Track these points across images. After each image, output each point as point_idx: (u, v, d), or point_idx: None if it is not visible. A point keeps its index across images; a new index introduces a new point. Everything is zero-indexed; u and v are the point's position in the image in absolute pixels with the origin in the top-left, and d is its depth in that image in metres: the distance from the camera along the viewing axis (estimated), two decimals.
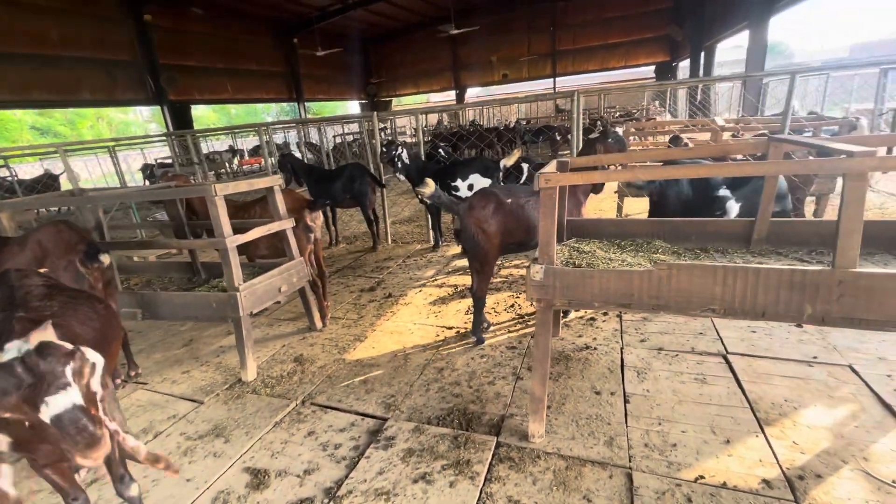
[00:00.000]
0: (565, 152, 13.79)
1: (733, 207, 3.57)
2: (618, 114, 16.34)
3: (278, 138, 19.09)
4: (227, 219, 2.95)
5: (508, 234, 3.14)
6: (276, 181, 3.39)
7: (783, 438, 2.16)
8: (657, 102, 18.60)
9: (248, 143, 20.82)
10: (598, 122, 12.58)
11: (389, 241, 6.36)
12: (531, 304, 3.86)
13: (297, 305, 4.27)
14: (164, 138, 10.04)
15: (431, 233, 5.97)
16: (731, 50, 23.34)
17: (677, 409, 2.44)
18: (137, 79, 14.68)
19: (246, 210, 3.81)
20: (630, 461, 2.11)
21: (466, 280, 4.62)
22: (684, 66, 21.52)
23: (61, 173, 11.89)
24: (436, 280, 4.78)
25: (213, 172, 15.33)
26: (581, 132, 4.84)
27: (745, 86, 11.46)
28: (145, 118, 35.84)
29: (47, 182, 11.31)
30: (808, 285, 1.71)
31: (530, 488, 2.02)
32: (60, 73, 12.62)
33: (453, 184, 5.07)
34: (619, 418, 2.41)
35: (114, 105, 15.65)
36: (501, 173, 4.96)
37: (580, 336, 3.31)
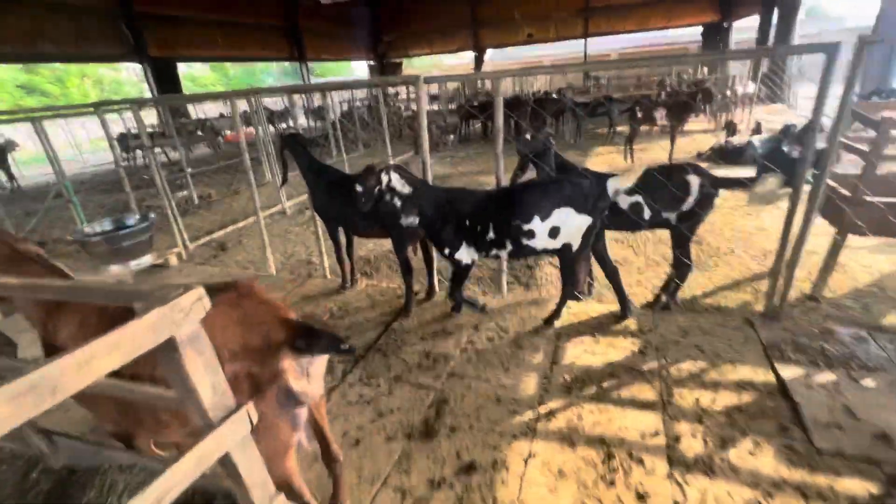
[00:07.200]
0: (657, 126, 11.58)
1: None
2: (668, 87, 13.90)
3: (277, 105, 16.79)
4: None
5: None
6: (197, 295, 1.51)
7: None
8: (706, 70, 16.19)
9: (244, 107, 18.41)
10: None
11: (438, 290, 3.57)
12: None
13: None
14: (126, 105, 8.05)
15: (503, 277, 3.60)
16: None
17: None
18: (111, 29, 12.48)
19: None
20: None
21: (623, 419, 2.14)
22: (739, 26, 18.78)
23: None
24: (551, 412, 2.23)
25: (204, 144, 13.16)
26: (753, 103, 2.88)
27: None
28: (140, 77, 33.07)
29: None
30: None
31: None
32: (14, 18, 10.38)
33: (525, 227, 2.62)
34: None
35: (83, 61, 13.47)
36: (610, 201, 2.63)
37: None
